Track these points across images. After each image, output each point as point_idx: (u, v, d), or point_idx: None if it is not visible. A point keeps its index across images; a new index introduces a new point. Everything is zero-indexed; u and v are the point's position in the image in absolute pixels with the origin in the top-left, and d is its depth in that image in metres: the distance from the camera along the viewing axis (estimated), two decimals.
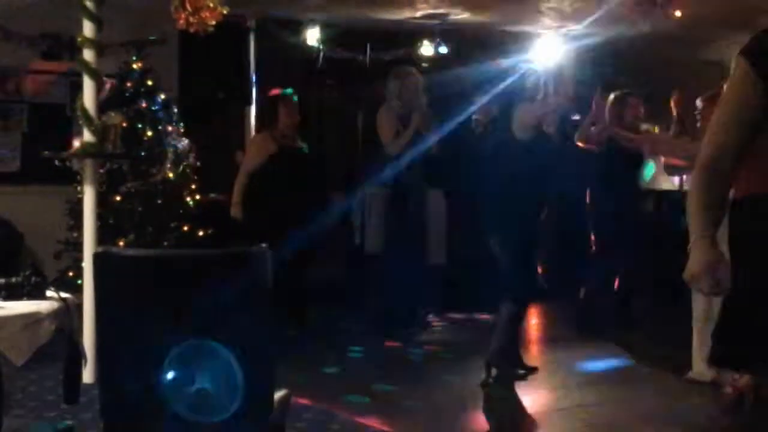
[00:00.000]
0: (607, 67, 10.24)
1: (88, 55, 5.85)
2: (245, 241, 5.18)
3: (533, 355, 7.05)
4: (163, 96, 7.47)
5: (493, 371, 5.94)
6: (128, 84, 7.31)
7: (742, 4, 8.39)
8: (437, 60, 9.84)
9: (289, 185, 7.28)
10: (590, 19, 8.77)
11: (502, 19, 9.37)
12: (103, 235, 6.48)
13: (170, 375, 3.25)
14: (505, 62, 9.79)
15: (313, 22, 9.30)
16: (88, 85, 5.88)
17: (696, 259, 2.93)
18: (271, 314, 3.40)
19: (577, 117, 8.22)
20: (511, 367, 6.08)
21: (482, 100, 8.18)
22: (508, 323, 6.00)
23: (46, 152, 6.14)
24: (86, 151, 5.92)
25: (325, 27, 9.40)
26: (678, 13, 6.93)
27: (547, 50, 10.10)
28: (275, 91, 7.65)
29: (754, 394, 5.32)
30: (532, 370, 6.27)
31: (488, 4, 8.60)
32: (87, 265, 5.74)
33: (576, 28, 9.67)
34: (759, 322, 3.01)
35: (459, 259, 8.67)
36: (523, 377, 6.13)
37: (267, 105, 7.78)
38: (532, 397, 5.85)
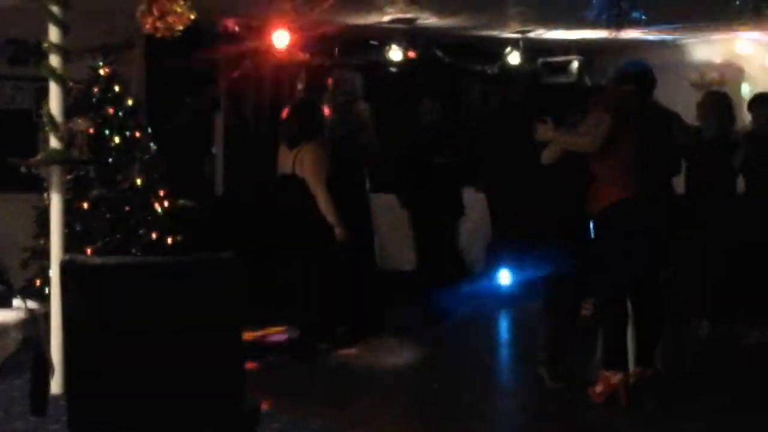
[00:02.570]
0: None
1: (54, 60, 5.79)
2: (215, 247, 5.16)
3: None
4: (130, 102, 7.41)
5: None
6: (95, 90, 7.24)
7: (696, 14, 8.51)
8: (406, 64, 9.86)
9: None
10: (556, 23, 8.83)
11: (470, 23, 9.39)
12: (71, 243, 6.42)
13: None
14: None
15: (281, 26, 9.26)
16: (54, 91, 5.81)
17: None
18: (241, 320, 3.38)
19: None
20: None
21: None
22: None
23: (12, 159, 6.07)
24: (53, 157, 5.85)
25: (293, 31, 9.37)
26: (643, 18, 6.97)
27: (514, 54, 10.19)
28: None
29: (626, 392, 5.49)
30: None
31: (456, 9, 8.61)
32: (54, 273, 5.69)
33: (543, 32, 9.73)
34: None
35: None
36: None
37: (314, 111, 7.45)
38: None
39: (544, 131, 5.78)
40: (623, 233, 5.53)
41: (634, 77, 5.78)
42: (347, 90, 7.55)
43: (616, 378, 5.53)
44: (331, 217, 6.82)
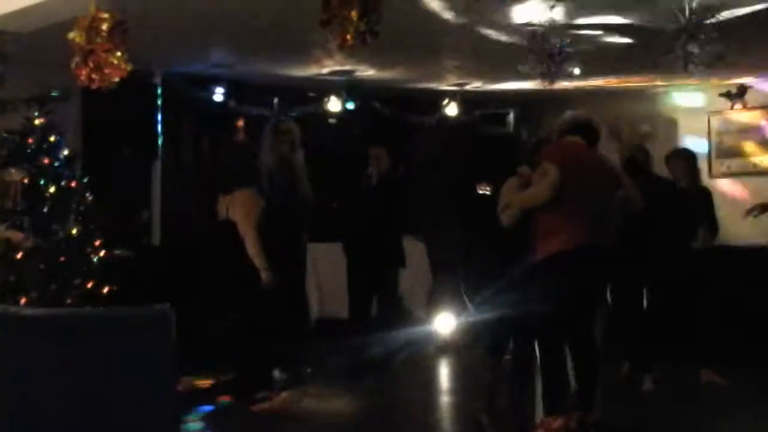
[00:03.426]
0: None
1: None
2: (152, 296, 5.13)
3: None
4: (66, 152, 7.37)
5: None
6: (30, 140, 7.19)
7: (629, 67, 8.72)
8: (344, 115, 9.95)
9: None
10: (494, 76, 8.98)
11: (408, 76, 9.51)
12: (4, 293, 6.34)
13: None
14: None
15: (219, 77, 9.32)
16: None
17: None
18: (176, 371, 3.37)
19: None
20: None
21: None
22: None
23: None
24: None
25: (232, 83, 9.43)
26: (576, 72, 7.14)
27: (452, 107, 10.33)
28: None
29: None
30: None
31: (394, 62, 8.73)
32: None
33: (480, 85, 9.88)
34: None
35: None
36: None
37: (248, 158, 7.46)
38: None
39: (507, 199, 5.90)
40: (562, 283, 5.59)
41: (578, 128, 5.88)
42: (290, 139, 7.59)
43: (557, 423, 5.56)
44: (257, 261, 6.84)
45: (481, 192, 6.41)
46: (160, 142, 9.33)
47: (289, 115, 9.23)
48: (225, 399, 7.07)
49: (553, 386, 5.70)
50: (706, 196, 7.61)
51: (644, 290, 7.31)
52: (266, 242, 6.85)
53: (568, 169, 5.61)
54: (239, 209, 6.94)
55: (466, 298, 6.26)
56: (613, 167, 6.10)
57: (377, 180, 8.25)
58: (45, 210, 7.08)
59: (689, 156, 7.71)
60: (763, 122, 9.94)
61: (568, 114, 6.10)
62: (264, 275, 6.86)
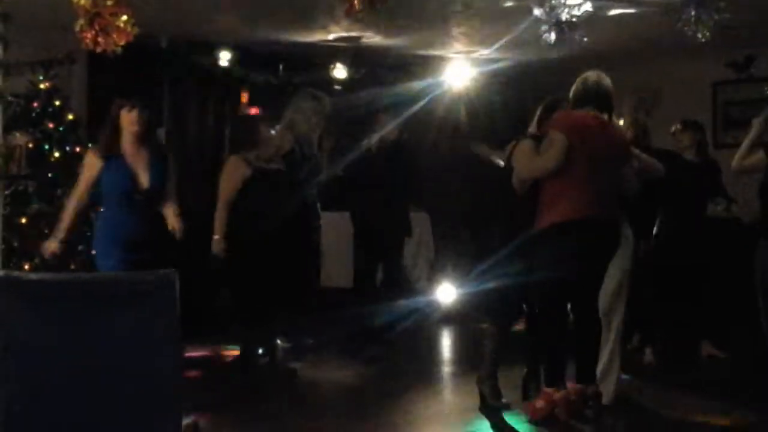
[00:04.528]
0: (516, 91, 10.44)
1: None
2: (156, 263, 5.13)
3: None
4: (71, 117, 7.35)
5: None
6: (35, 104, 7.17)
7: (640, 36, 8.66)
8: (350, 82, 9.91)
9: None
10: (500, 43, 8.92)
11: (414, 43, 9.46)
12: (9, 259, 6.35)
13: None
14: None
15: (225, 43, 9.28)
16: None
17: None
18: (180, 336, 3.38)
19: None
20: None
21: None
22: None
23: None
24: None
25: (238, 48, 9.39)
26: (584, 39, 7.08)
27: (458, 74, 10.28)
28: (255, 111, 7.47)
29: (566, 408, 5.57)
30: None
31: (400, 29, 8.67)
32: None
33: (486, 52, 9.82)
34: None
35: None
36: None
37: (246, 124, 7.45)
38: None
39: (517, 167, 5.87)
40: (565, 254, 5.56)
41: (594, 99, 5.75)
42: (322, 110, 7.58)
43: (557, 395, 5.58)
44: (216, 224, 6.87)
45: (487, 158, 6.33)
46: (164, 107, 9.30)
47: (294, 82, 9.20)
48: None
49: (554, 357, 5.69)
50: (715, 168, 7.56)
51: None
52: (265, 209, 6.79)
53: (575, 140, 5.57)
54: (222, 174, 6.98)
55: (470, 267, 6.25)
56: (626, 140, 6.00)
57: (382, 148, 8.22)
58: (49, 175, 7.08)
59: (697, 127, 7.65)
60: None
61: (586, 78, 5.86)
62: (215, 243, 6.83)
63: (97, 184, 5.72)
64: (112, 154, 5.68)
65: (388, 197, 8.14)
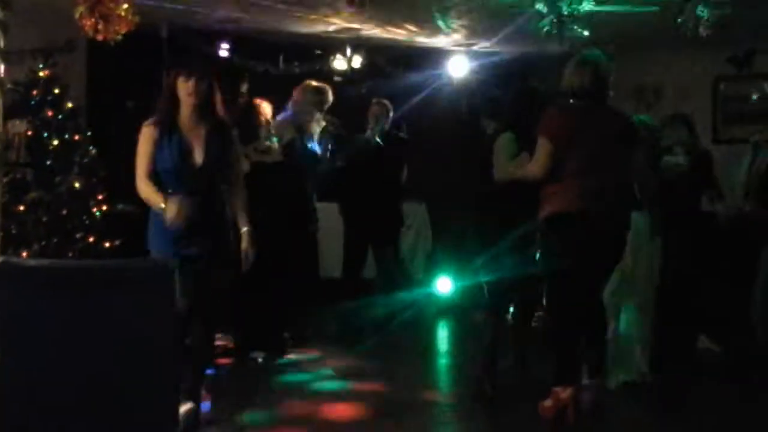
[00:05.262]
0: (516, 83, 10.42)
1: None
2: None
3: None
4: (70, 105, 7.35)
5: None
6: (34, 92, 7.17)
7: (640, 30, 8.66)
8: (350, 74, 9.90)
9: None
10: (500, 36, 8.93)
11: (413, 35, 9.46)
12: (6, 246, 6.35)
13: None
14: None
15: (225, 33, 9.27)
16: None
17: None
18: (174, 327, 3.38)
19: None
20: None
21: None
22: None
23: None
24: None
25: (238, 38, 9.39)
26: (585, 33, 7.09)
27: (457, 66, 10.28)
28: (259, 101, 7.43)
29: (574, 408, 5.45)
30: None
31: (399, 21, 8.67)
32: None
33: (486, 45, 9.82)
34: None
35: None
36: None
37: (247, 116, 7.27)
38: None
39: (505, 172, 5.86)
40: (558, 246, 5.51)
41: (582, 92, 5.60)
42: (326, 100, 7.60)
43: (565, 393, 5.45)
44: None
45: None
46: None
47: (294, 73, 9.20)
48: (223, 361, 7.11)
49: (563, 355, 5.56)
50: (706, 161, 7.46)
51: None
52: (267, 199, 6.76)
53: (561, 142, 5.47)
54: None
55: (467, 259, 6.24)
56: (627, 123, 5.81)
57: (380, 138, 8.21)
58: (48, 163, 7.08)
59: (686, 120, 7.55)
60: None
61: (583, 67, 5.64)
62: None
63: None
64: (166, 127, 5.13)
65: (378, 188, 8.13)
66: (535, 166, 5.59)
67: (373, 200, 8.12)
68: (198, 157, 5.11)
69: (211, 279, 5.09)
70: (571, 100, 5.67)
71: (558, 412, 5.49)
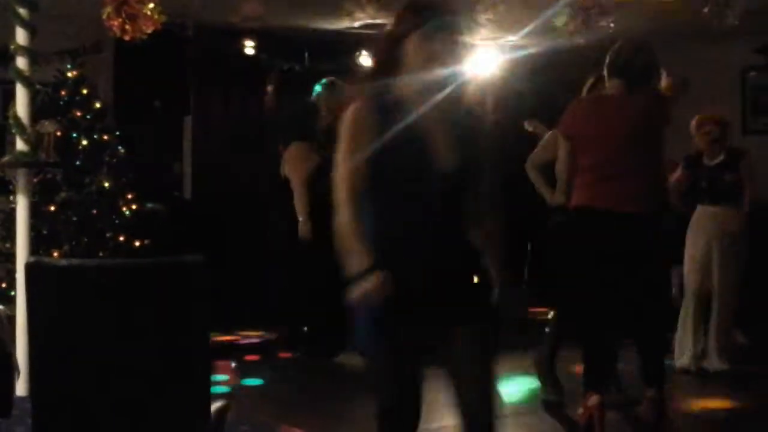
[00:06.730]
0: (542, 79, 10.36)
1: (21, 63, 5.77)
2: (183, 251, 5.13)
3: None
4: (98, 105, 7.39)
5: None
6: (63, 93, 7.22)
7: (667, 22, 8.58)
8: None
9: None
10: (526, 30, 8.87)
11: None
12: (37, 246, 6.39)
13: None
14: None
15: (251, 31, 9.27)
16: (21, 94, 5.79)
17: None
18: (208, 324, 3.38)
19: None
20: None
21: None
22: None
23: None
24: (19, 160, 5.84)
25: (264, 36, 9.39)
26: (611, 25, 7.03)
27: (485, 61, 10.23)
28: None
29: (600, 416, 5.13)
30: None
31: None
32: (20, 275, 5.65)
33: (513, 39, 9.77)
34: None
35: None
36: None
37: (308, 112, 7.35)
38: None
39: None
40: (576, 240, 5.34)
41: (623, 72, 5.30)
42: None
43: (592, 400, 5.15)
44: (300, 213, 6.82)
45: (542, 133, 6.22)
46: (191, 95, 9.32)
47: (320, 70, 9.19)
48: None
49: (591, 360, 5.34)
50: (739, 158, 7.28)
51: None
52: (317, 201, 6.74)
53: (577, 136, 5.33)
54: (289, 164, 6.95)
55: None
56: (655, 109, 5.39)
57: None
58: (77, 163, 7.13)
59: (715, 123, 7.36)
60: None
61: (620, 48, 5.36)
62: (302, 227, 6.80)
63: None
64: None
65: None
66: (560, 166, 5.55)
67: None
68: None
69: None
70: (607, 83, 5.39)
71: (588, 420, 5.17)
